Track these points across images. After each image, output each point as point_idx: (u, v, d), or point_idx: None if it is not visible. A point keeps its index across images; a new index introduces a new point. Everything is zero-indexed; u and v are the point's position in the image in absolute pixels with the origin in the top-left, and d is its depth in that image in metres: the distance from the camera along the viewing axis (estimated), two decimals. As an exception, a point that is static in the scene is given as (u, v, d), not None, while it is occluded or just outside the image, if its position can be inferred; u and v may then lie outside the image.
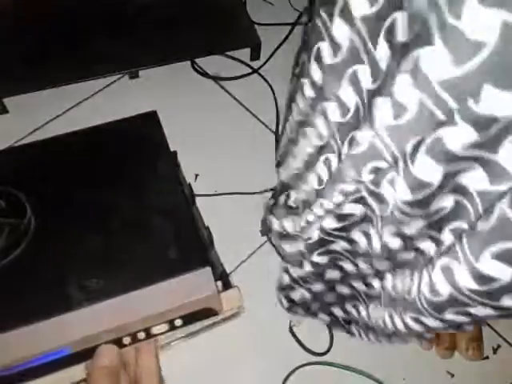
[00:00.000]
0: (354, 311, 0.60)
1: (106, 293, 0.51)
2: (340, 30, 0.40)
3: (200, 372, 0.62)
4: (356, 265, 0.54)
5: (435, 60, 0.30)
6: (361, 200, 0.45)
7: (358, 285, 0.56)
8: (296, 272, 0.59)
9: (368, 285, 0.54)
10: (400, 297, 0.47)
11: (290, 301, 0.63)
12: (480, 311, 0.38)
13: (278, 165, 0.70)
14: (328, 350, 0.65)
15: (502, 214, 0.31)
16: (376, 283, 0.53)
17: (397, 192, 0.39)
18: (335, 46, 0.42)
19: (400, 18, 0.34)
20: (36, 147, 0.65)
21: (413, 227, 0.42)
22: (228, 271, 0.67)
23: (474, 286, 0.35)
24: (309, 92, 0.50)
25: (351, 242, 0.51)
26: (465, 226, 0.37)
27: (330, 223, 0.49)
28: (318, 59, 0.45)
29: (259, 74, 0.87)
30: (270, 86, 0.85)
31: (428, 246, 0.43)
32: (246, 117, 0.83)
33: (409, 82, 0.33)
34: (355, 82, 0.42)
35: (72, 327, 0.50)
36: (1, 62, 0.77)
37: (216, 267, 0.63)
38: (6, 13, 0.82)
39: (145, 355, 0.51)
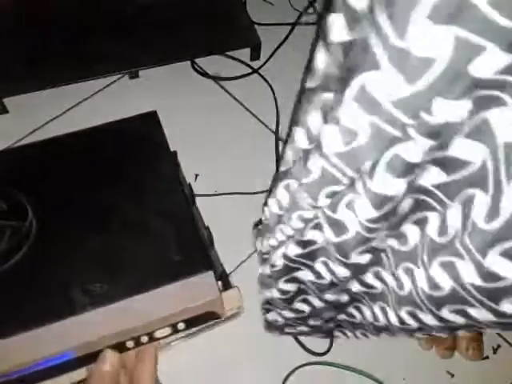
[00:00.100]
0: (331, 325, 0.61)
1: (109, 297, 0.51)
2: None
3: (200, 372, 0.62)
4: (324, 301, 0.53)
5: (384, 82, 0.31)
6: (319, 227, 0.45)
7: (331, 314, 0.56)
8: (268, 294, 0.59)
9: (340, 302, 0.54)
10: (391, 293, 0.47)
11: (266, 321, 0.63)
12: (479, 313, 0.37)
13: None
14: (328, 350, 0.65)
15: (507, 214, 0.31)
16: (345, 297, 0.53)
17: (358, 212, 0.39)
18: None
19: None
20: (36, 148, 0.65)
21: (376, 238, 0.42)
22: (228, 271, 0.67)
23: (479, 282, 0.35)
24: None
25: (315, 273, 0.50)
26: (428, 214, 0.38)
27: (293, 249, 0.49)
28: None
29: (259, 74, 0.87)
30: (270, 86, 0.85)
31: (390, 243, 0.43)
32: (246, 117, 0.83)
33: (356, 106, 0.34)
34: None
35: (76, 332, 0.50)
36: (1, 62, 0.77)
37: (216, 267, 0.63)
38: (6, 13, 0.82)
39: (144, 359, 0.52)
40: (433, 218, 0.38)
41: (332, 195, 0.42)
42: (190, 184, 0.69)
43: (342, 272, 0.47)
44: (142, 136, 0.65)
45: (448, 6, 0.26)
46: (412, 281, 0.42)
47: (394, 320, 0.47)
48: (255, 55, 0.87)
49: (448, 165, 0.34)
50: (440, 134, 0.32)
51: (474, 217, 0.33)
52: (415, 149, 0.33)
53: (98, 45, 0.81)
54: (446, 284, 0.37)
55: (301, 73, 0.85)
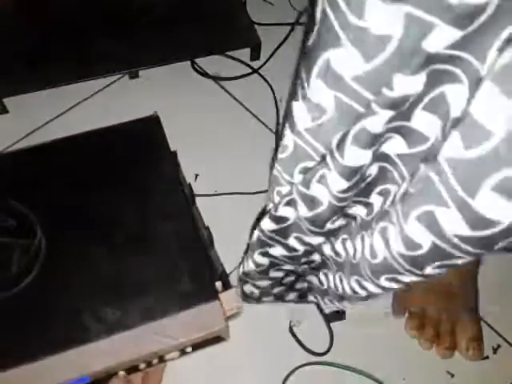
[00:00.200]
0: (305, 285, 0.62)
1: (122, 324, 0.53)
2: None
3: (200, 372, 0.61)
4: (297, 264, 0.55)
5: (346, 59, 0.33)
6: (292, 202, 0.46)
7: (305, 267, 0.57)
8: (246, 266, 0.60)
9: (312, 261, 0.55)
10: (346, 262, 0.48)
11: (242, 292, 0.64)
12: (409, 279, 0.40)
13: None
14: (328, 350, 0.65)
15: (423, 176, 0.33)
16: (317, 257, 0.54)
17: (330, 186, 0.40)
18: None
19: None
20: (36, 153, 0.65)
21: (347, 205, 0.43)
22: (228, 271, 0.67)
23: (403, 249, 0.37)
24: None
25: (288, 248, 0.51)
26: (391, 187, 0.40)
27: (267, 224, 0.50)
28: None
29: (259, 74, 0.87)
30: (270, 86, 0.85)
31: (359, 211, 0.45)
32: (246, 117, 0.83)
33: (321, 83, 0.36)
34: None
35: (91, 359, 0.51)
36: (1, 62, 0.77)
37: (216, 267, 0.63)
38: (6, 13, 0.82)
39: (152, 380, 0.56)
40: (393, 191, 0.40)
41: (305, 171, 0.44)
42: (189, 184, 0.69)
43: (317, 240, 0.48)
44: (145, 140, 0.66)
45: None
46: (362, 248, 0.44)
47: (347, 289, 0.49)
48: (255, 55, 0.87)
49: (410, 137, 0.36)
50: (400, 106, 0.34)
51: (412, 190, 0.35)
52: (378, 121, 0.35)
53: (97, 45, 0.80)
54: (380, 252, 0.40)
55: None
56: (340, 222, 0.46)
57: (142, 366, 0.55)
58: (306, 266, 0.56)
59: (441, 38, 0.29)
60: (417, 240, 0.35)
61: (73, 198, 0.60)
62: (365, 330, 0.65)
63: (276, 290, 0.62)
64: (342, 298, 0.54)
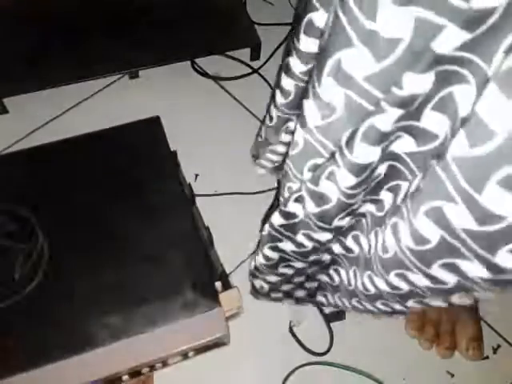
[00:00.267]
0: (314, 284, 0.62)
1: (126, 331, 0.53)
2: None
3: (200, 372, 0.62)
4: (306, 262, 0.55)
5: (357, 59, 0.35)
6: (300, 199, 0.47)
7: (315, 268, 0.57)
8: (256, 260, 0.61)
9: (322, 261, 0.56)
10: (361, 257, 0.49)
11: (253, 287, 0.65)
12: (416, 278, 0.40)
13: None
14: (328, 350, 0.65)
15: (432, 173, 0.34)
16: (326, 257, 0.55)
17: (339, 182, 0.41)
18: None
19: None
20: (37, 154, 0.65)
21: (356, 202, 0.44)
22: (228, 271, 0.67)
23: (412, 244, 0.37)
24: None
25: (297, 244, 0.52)
26: (401, 183, 0.41)
27: (277, 219, 0.51)
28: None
29: (259, 74, 0.87)
30: (270, 86, 0.85)
31: (369, 208, 0.46)
32: (246, 117, 0.83)
33: (332, 82, 0.37)
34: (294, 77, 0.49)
35: (96, 365, 0.51)
36: (1, 61, 0.77)
37: (216, 267, 0.63)
38: (6, 13, 0.82)
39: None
40: (404, 187, 0.41)
41: (314, 168, 0.45)
42: (190, 184, 0.69)
43: (325, 236, 0.49)
44: (145, 140, 0.66)
45: None
46: (375, 244, 0.44)
47: (359, 284, 0.50)
48: (255, 55, 0.87)
49: (419, 136, 0.37)
50: (408, 104, 0.35)
51: (422, 186, 0.36)
52: (387, 119, 0.35)
53: (98, 45, 0.81)
54: (391, 247, 0.40)
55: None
56: (349, 220, 0.47)
57: (145, 370, 0.55)
58: (316, 268, 0.57)
59: (449, 39, 0.30)
60: (425, 235, 0.36)
61: (73, 200, 0.60)
62: (365, 329, 0.65)
63: (285, 287, 0.62)
64: (352, 294, 0.54)
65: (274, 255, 0.56)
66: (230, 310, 0.57)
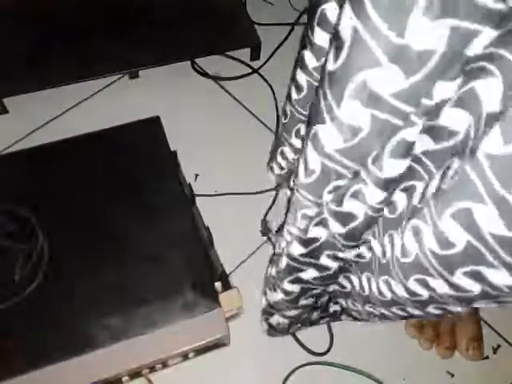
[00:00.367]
0: (326, 296, 0.60)
1: (126, 332, 0.53)
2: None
3: (200, 373, 0.62)
4: (327, 285, 0.54)
5: (384, 78, 0.32)
6: (323, 222, 0.45)
7: (333, 288, 0.56)
8: (271, 297, 0.59)
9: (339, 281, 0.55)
10: (374, 262, 0.47)
11: (269, 325, 0.63)
12: (438, 285, 0.38)
13: None
14: (328, 350, 0.65)
15: (458, 172, 0.32)
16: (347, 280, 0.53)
17: (367, 199, 0.39)
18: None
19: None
20: (36, 154, 0.65)
21: (380, 213, 0.43)
22: (228, 271, 0.67)
23: (436, 248, 0.35)
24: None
25: (319, 268, 0.50)
26: (416, 183, 0.39)
27: (296, 248, 0.49)
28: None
29: (259, 74, 0.87)
30: (270, 86, 0.85)
31: (384, 212, 0.44)
32: (246, 117, 0.83)
33: (357, 104, 0.35)
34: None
35: (96, 367, 0.51)
36: (1, 61, 0.77)
37: (216, 267, 0.63)
38: (6, 13, 0.82)
39: None
40: (419, 187, 0.39)
41: (336, 189, 0.42)
42: (190, 184, 0.69)
43: (351, 254, 0.47)
44: (145, 140, 0.66)
45: (439, 1, 0.28)
46: (391, 247, 0.42)
47: (374, 289, 0.48)
48: (255, 55, 0.87)
49: (437, 133, 0.35)
50: (435, 111, 0.34)
51: (444, 183, 0.34)
52: (415, 129, 0.34)
53: (98, 45, 0.80)
54: (413, 250, 0.38)
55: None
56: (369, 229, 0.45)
57: (146, 371, 0.55)
58: (330, 282, 0.55)
59: (482, 41, 0.29)
60: (451, 238, 0.34)
61: (73, 200, 0.60)
62: (365, 329, 0.65)
63: (304, 316, 0.61)
64: (365, 300, 0.52)
65: (295, 288, 0.53)
66: (230, 311, 0.57)
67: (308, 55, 0.47)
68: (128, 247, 0.58)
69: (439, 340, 0.64)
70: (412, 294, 0.42)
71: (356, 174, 0.40)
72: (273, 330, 0.63)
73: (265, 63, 0.88)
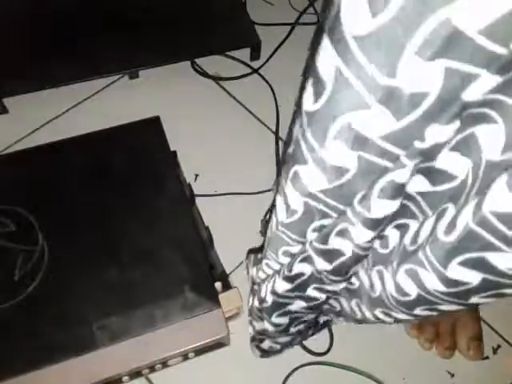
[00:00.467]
0: (323, 318, 0.61)
1: (126, 332, 0.53)
2: None
3: (200, 372, 0.61)
4: (318, 312, 0.53)
5: (371, 120, 0.30)
6: (308, 259, 0.44)
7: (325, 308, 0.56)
8: (258, 326, 0.58)
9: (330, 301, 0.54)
10: (363, 292, 0.47)
11: (262, 351, 0.62)
12: (449, 307, 0.38)
13: None
14: (328, 350, 0.65)
15: (466, 227, 0.31)
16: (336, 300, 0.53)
17: (355, 238, 0.38)
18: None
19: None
20: (36, 154, 0.65)
21: (369, 251, 0.42)
22: (228, 271, 0.67)
23: (443, 288, 0.35)
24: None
25: (307, 299, 0.49)
26: (409, 221, 0.38)
27: (281, 285, 0.48)
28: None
29: (259, 74, 0.87)
30: (270, 86, 0.85)
31: (375, 245, 0.43)
32: (246, 117, 0.83)
33: (341, 145, 0.33)
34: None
35: (96, 367, 0.51)
36: (1, 62, 0.77)
37: (216, 267, 0.63)
38: (6, 13, 0.82)
39: None
40: (412, 226, 0.38)
41: (320, 229, 0.41)
42: (189, 184, 0.69)
43: (338, 286, 0.46)
44: (145, 140, 0.66)
45: (436, 41, 0.26)
46: (382, 284, 0.42)
47: (368, 316, 0.48)
48: (255, 55, 0.87)
49: (434, 176, 0.34)
50: (429, 153, 0.32)
51: (438, 229, 0.33)
52: (406, 171, 0.33)
53: (98, 45, 0.80)
54: (412, 291, 0.38)
55: (301, 73, 0.85)
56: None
57: (146, 371, 0.55)
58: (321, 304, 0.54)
59: (481, 86, 0.28)
60: (463, 280, 0.33)
61: (73, 200, 0.60)
62: (365, 330, 0.65)
63: (297, 340, 0.61)
64: (358, 321, 0.52)
65: (284, 320, 0.53)
66: (229, 311, 0.57)
67: (310, 175, 0.40)
68: (128, 247, 0.58)
69: (439, 340, 0.64)
70: (418, 316, 0.41)
71: (341, 213, 0.38)
72: (266, 354, 0.62)
73: (265, 63, 0.88)
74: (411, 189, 0.36)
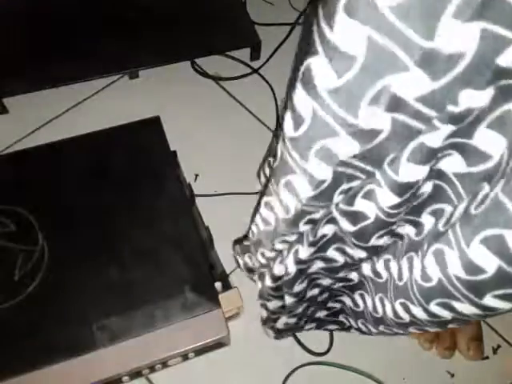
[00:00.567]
0: (337, 306, 0.60)
1: (126, 333, 0.53)
2: None
3: (200, 372, 0.61)
4: (334, 278, 0.53)
5: (409, 82, 0.31)
6: (332, 220, 0.44)
7: (340, 285, 0.56)
8: (274, 305, 0.58)
9: (349, 280, 0.54)
10: (390, 283, 0.47)
11: (276, 331, 0.62)
12: (463, 307, 0.38)
13: None
14: (328, 350, 0.65)
15: (495, 198, 0.31)
16: (355, 275, 0.53)
17: (380, 201, 0.39)
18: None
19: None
20: (35, 155, 0.65)
21: (396, 221, 0.42)
22: (228, 271, 0.67)
23: (463, 274, 0.35)
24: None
25: (327, 260, 0.50)
26: (445, 206, 0.39)
27: (306, 251, 0.48)
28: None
29: (259, 74, 0.87)
30: (270, 86, 0.85)
31: (407, 231, 0.43)
32: (246, 117, 0.83)
33: (376, 109, 0.33)
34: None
35: (95, 367, 0.52)
36: (1, 61, 0.77)
37: (216, 267, 0.63)
38: (5, 13, 0.82)
39: None
40: (447, 211, 0.39)
41: (347, 191, 0.41)
42: (189, 184, 0.69)
43: (359, 254, 0.47)
44: (145, 140, 0.66)
45: (473, 2, 0.26)
46: (410, 270, 0.42)
47: (389, 312, 0.48)
48: (255, 55, 0.87)
49: (470, 155, 0.35)
50: (462, 120, 0.32)
51: (471, 206, 0.34)
52: (438, 136, 0.33)
53: (98, 45, 0.80)
54: (435, 275, 0.38)
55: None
56: (386, 239, 0.44)
57: (146, 371, 0.55)
58: (341, 284, 0.55)
59: None
60: (481, 264, 0.33)
61: (73, 200, 0.60)
62: (365, 330, 0.65)
63: (309, 311, 0.60)
64: (379, 321, 0.52)
65: (303, 286, 0.53)
66: (229, 311, 0.57)
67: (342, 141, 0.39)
68: (128, 247, 0.58)
69: (439, 340, 0.64)
70: (433, 315, 0.41)
71: (370, 175, 0.38)
72: (279, 334, 0.62)
73: (265, 63, 0.88)
74: (448, 168, 0.37)
